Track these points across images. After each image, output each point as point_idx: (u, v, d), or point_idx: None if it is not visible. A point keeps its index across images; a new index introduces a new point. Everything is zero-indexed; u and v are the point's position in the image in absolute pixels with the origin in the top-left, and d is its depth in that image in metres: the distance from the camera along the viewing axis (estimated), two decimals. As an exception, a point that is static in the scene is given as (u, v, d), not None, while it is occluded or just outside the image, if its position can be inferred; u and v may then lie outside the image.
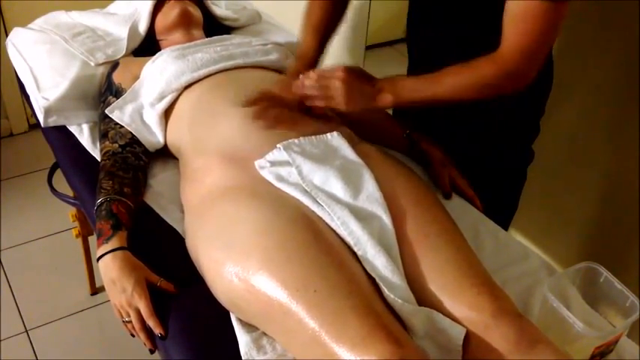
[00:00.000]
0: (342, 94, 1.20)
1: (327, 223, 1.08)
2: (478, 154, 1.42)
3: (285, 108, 1.27)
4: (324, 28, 1.40)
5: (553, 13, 1.07)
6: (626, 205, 1.59)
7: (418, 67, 1.48)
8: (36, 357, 1.94)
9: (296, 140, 1.19)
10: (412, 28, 1.45)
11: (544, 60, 1.16)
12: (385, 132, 1.45)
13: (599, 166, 1.64)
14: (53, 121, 1.52)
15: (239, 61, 1.42)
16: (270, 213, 1.06)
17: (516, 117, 1.40)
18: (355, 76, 1.23)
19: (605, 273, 1.09)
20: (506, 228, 1.55)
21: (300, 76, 1.26)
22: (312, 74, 1.24)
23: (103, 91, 1.50)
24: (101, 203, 1.21)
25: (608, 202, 1.65)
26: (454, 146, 1.40)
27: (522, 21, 1.09)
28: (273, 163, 1.16)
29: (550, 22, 1.08)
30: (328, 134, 1.23)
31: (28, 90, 1.61)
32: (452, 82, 1.18)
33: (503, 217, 1.41)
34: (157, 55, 1.47)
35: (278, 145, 1.18)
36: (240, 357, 1.01)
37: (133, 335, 1.13)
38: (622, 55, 1.50)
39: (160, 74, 1.39)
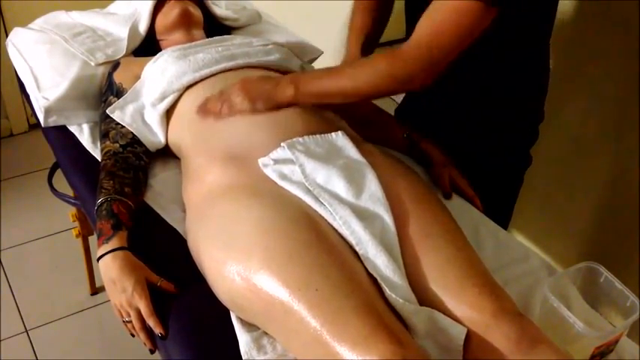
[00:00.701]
0: (243, 96, 1.25)
1: (329, 223, 1.08)
2: (476, 156, 1.42)
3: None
4: (367, 32, 1.41)
5: (475, 14, 1.05)
6: (626, 206, 1.59)
7: None
8: (36, 357, 1.94)
9: (300, 139, 1.19)
10: (410, 28, 1.45)
11: (446, 65, 1.14)
12: (386, 132, 1.45)
13: (600, 166, 1.64)
14: (53, 121, 1.52)
15: (240, 62, 1.42)
16: (272, 212, 1.06)
17: (515, 121, 1.40)
18: (253, 79, 1.30)
19: (605, 273, 1.09)
20: (507, 224, 1.55)
21: (207, 98, 1.31)
22: (213, 95, 1.30)
23: (103, 91, 1.50)
24: (102, 203, 1.21)
25: (608, 203, 1.65)
26: (453, 148, 1.40)
27: (441, 13, 1.08)
28: (276, 161, 1.16)
29: (468, 21, 1.06)
30: (333, 133, 1.23)
31: (28, 90, 1.61)
32: (353, 73, 1.19)
33: (500, 220, 1.41)
34: (158, 55, 1.47)
35: (282, 144, 1.18)
36: (241, 357, 1.01)
37: (133, 335, 1.13)
38: (622, 57, 1.50)
39: (161, 74, 1.39)
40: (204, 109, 1.29)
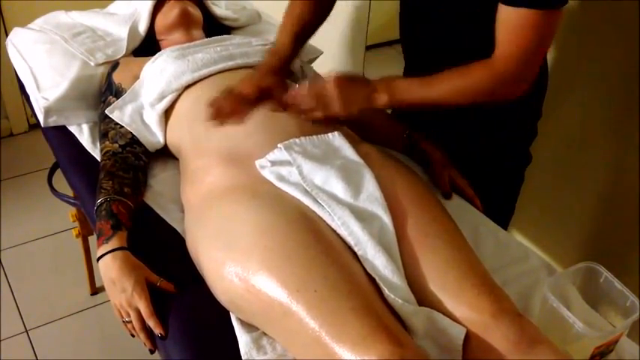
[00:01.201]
0: (338, 99, 1.19)
1: (327, 223, 1.08)
2: (476, 156, 1.42)
3: (243, 103, 1.26)
4: (303, 26, 1.37)
5: (547, 21, 1.07)
6: (626, 205, 1.59)
7: (413, 67, 1.48)
8: (36, 357, 1.94)
9: (297, 140, 1.19)
10: (404, 31, 1.45)
11: (539, 67, 1.16)
12: (385, 132, 1.45)
13: (600, 166, 1.64)
14: (53, 121, 1.52)
15: (239, 62, 1.42)
16: (271, 213, 1.06)
17: (514, 119, 1.40)
18: (347, 80, 1.23)
19: (605, 273, 1.09)
20: (505, 229, 1.55)
21: (292, 90, 1.25)
22: (303, 87, 1.24)
23: (103, 91, 1.50)
24: (101, 203, 1.21)
25: (608, 202, 1.65)
26: (453, 147, 1.40)
27: (517, 29, 1.08)
28: (274, 163, 1.16)
29: (544, 30, 1.08)
30: (329, 134, 1.23)
31: (28, 90, 1.61)
32: (446, 86, 1.18)
33: (500, 220, 1.41)
34: (157, 55, 1.47)
35: (279, 145, 1.18)
36: (240, 357, 1.01)
37: (133, 335, 1.13)
38: (621, 55, 1.50)
39: (160, 74, 1.39)
40: (292, 99, 1.23)
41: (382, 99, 1.20)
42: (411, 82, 1.22)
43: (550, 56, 1.38)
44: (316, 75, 1.60)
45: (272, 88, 1.30)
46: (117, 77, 1.48)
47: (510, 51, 1.11)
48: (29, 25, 1.76)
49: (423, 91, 1.19)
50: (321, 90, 1.21)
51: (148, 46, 1.61)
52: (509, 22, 1.09)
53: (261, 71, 1.34)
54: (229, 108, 1.25)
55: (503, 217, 1.53)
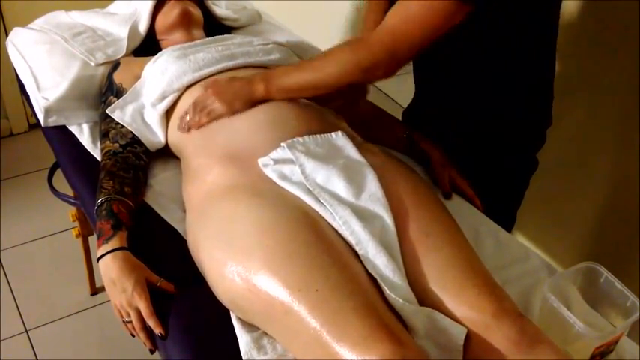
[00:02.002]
0: (218, 100, 1.27)
1: (329, 223, 1.08)
2: (485, 161, 1.42)
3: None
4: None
5: (445, 9, 1.06)
6: (626, 206, 1.59)
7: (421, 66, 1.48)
8: (36, 357, 1.94)
9: (300, 139, 1.19)
10: None
11: (411, 57, 1.15)
12: (386, 132, 1.45)
13: (600, 166, 1.64)
14: (53, 121, 1.52)
15: (240, 61, 1.42)
16: (272, 212, 1.06)
17: (521, 126, 1.40)
18: (223, 81, 1.31)
19: (605, 273, 1.09)
20: (509, 232, 1.55)
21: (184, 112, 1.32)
22: (189, 107, 1.31)
23: (103, 91, 1.50)
24: (101, 203, 1.21)
25: (609, 203, 1.65)
26: (462, 151, 1.40)
27: (402, 9, 1.09)
28: (276, 162, 1.16)
29: (437, 15, 1.07)
30: (332, 133, 1.23)
31: (28, 90, 1.61)
32: (318, 64, 1.21)
33: (503, 224, 1.42)
34: (158, 55, 1.46)
35: (282, 144, 1.18)
36: (241, 357, 1.01)
37: (133, 335, 1.13)
38: (623, 58, 1.50)
39: (161, 74, 1.39)
40: (183, 126, 1.31)
41: (259, 88, 1.26)
42: (288, 68, 1.28)
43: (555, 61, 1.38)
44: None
45: None
46: (118, 77, 1.48)
47: (387, 26, 1.11)
48: (29, 25, 1.76)
49: (297, 75, 1.24)
50: (201, 98, 1.29)
51: (148, 46, 1.61)
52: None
53: None
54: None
55: (506, 222, 1.53)
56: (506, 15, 1.10)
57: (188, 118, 1.30)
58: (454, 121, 1.42)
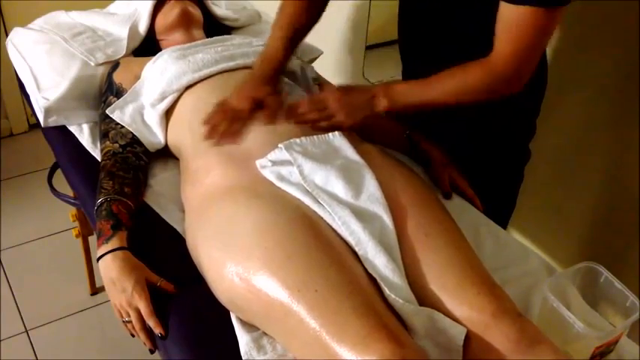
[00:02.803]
0: (341, 110, 1.24)
1: (328, 223, 1.08)
2: (475, 154, 1.42)
3: (237, 118, 1.27)
4: (294, 30, 1.37)
5: (546, 19, 1.08)
6: (626, 205, 1.59)
7: (411, 67, 1.49)
8: (36, 357, 1.94)
9: (297, 140, 1.19)
10: (403, 30, 1.45)
11: (536, 65, 1.17)
12: (385, 132, 1.45)
13: (599, 166, 1.64)
14: (53, 121, 1.52)
15: (240, 62, 1.42)
16: (271, 213, 1.06)
17: (512, 117, 1.40)
18: (347, 90, 1.28)
19: (605, 273, 1.09)
20: (504, 227, 1.55)
21: (294, 102, 1.28)
22: (305, 100, 1.27)
23: (103, 91, 1.50)
24: (101, 203, 1.21)
25: (608, 202, 1.65)
26: (451, 146, 1.40)
27: (515, 26, 1.09)
28: (274, 163, 1.16)
29: (543, 28, 1.09)
30: (330, 134, 1.23)
31: (28, 90, 1.61)
32: (444, 86, 1.20)
33: (501, 217, 1.41)
34: (158, 55, 1.47)
35: (280, 145, 1.18)
36: (240, 357, 1.01)
37: (133, 335, 1.13)
38: (622, 53, 1.50)
39: (160, 74, 1.39)
40: (294, 113, 1.26)
41: (382, 103, 1.23)
42: (410, 85, 1.25)
43: (550, 54, 1.38)
44: (321, 85, 1.61)
45: (265, 98, 1.30)
46: (117, 77, 1.48)
47: (508, 49, 1.12)
48: (29, 25, 1.76)
49: (421, 93, 1.22)
50: (323, 101, 1.26)
51: (148, 46, 1.61)
52: (509, 20, 1.09)
53: (254, 81, 1.34)
54: (224, 126, 1.25)
55: (503, 216, 1.53)
56: (497, 7, 1.11)
57: (303, 108, 1.25)
58: (441, 114, 1.42)
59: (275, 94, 1.32)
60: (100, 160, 1.35)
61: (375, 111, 1.25)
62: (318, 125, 1.24)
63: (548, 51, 1.37)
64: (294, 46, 1.40)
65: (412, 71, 1.49)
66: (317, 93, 1.28)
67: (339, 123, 1.25)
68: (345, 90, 1.29)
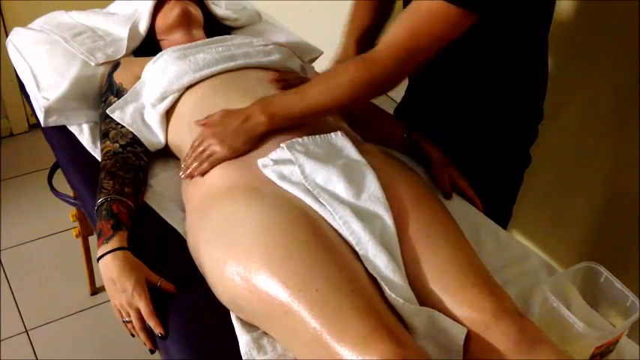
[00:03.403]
0: (218, 144, 1.18)
1: (328, 223, 1.08)
2: (475, 156, 1.42)
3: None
4: (365, 27, 1.40)
5: (449, 18, 1.06)
6: (626, 205, 1.59)
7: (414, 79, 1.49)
8: (36, 357, 1.94)
9: (299, 139, 1.19)
10: None
11: (417, 64, 1.14)
12: (386, 132, 1.45)
13: (600, 166, 1.64)
14: (53, 121, 1.52)
15: (240, 62, 1.42)
16: (272, 212, 1.06)
17: (513, 121, 1.40)
18: (223, 117, 1.22)
19: (605, 273, 1.09)
20: (504, 228, 1.55)
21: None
22: (186, 156, 1.23)
23: (103, 91, 1.50)
24: (102, 203, 1.21)
25: (608, 202, 1.65)
26: (452, 147, 1.40)
27: (416, 15, 1.09)
28: (276, 162, 1.16)
29: (443, 24, 1.07)
30: (332, 134, 1.23)
31: (28, 90, 1.61)
32: (323, 87, 1.17)
33: (500, 218, 1.41)
34: (158, 55, 1.46)
35: (281, 144, 1.18)
36: (241, 357, 1.01)
37: (133, 335, 1.13)
38: (622, 55, 1.50)
39: (161, 74, 1.39)
40: (186, 173, 1.22)
41: (260, 121, 1.18)
42: (286, 95, 1.21)
43: (551, 58, 1.38)
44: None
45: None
46: (118, 77, 1.48)
47: (400, 37, 1.10)
48: (29, 25, 1.76)
49: (299, 101, 1.18)
50: (200, 145, 1.20)
51: (148, 46, 1.61)
52: (416, 8, 1.08)
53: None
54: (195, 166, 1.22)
55: (501, 218, 1.53)
56: (498, 13, 1.11)
57: (188, 162, 1.22)
58: (444, 115, 1.43)
59: None
60: (100, 160, 1.35)
61: (255, 131, 1.18)
62: (203, 170, 1.19)
63: (549, 53, 1.37)
64: (366, 48, 1.35)
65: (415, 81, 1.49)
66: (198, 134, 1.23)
67: (220, 157, 1.18)
68: (215, 119, 1.23)
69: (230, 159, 1.19)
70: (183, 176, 1.24)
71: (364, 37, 1.42)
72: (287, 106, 1.20)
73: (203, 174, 1.20)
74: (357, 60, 1.15)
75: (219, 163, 1.19)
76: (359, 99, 1.17)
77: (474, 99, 1.38)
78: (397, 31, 1.12)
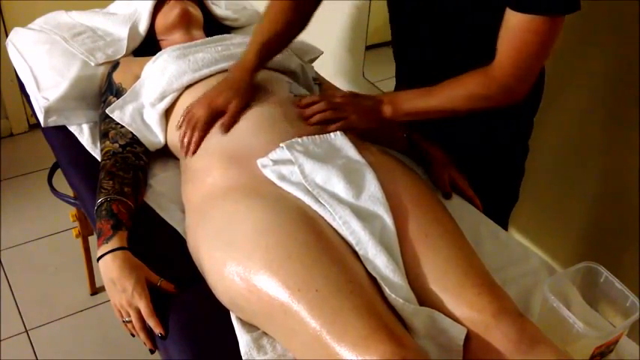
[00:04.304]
0: (354, 112, 1.27)
1: (328, 223, 1.08)
2: (473, 153, 1.42)
3: (194, 128, 1.27)
4: (270, 36, 1.36)
5: (549, 27, 1.08)
6: (625, 205, 1.59)
7: (405, 72, 1.49)
8: (36, 357, 1.94)
9: (299, 139, 1.19)
10: (395, 36, 1.46)
11: (537, 74, 1.17)
12: (385, 132, 1.45)
13: (599, 166, 1.64)
14: (53, 121, 1.52)
15: (240, 62, 1.42)
16: (272, 212, 1.06)
17: (512, 118, 1.40)
18: (355, 95, 1.33)
19: (605, 273, 1.09)
20: (507, 219, 1.56)
21: (309, 100, 1.31)
22: (319, 100, 1.29)
23: (103, 91, 1.50)
24: (101, 203, 1.21)
25: (608, 202, 1.65)
26: (451, 145, 1.40)
27: (518, 34, 1.10)
28: (275, 162, 1.16)
29: (545, 36, 1.09)
30: (332, 134, 1.23)
31: (28, 90, 1.61)
32: (446, 94, 1.22)
33: (504, 211, 1.41)
34: (158, 54, 1.47)
35: (281, 144, 1.18)
36: (240, 357, 1.01)
37: (133, 335, 1.13)
38: (622, 52, 1.50)
39: (161, 74, 1.39)
40: (319, 117, 1.26)
41: (387, 110, 1.27)
42: (413, 93, 1.28)
43: (551, 57, 1.38)
44: (321, 85, 1.63)
45: (225, 105, 1.27)
46: (117, 77, 1.48)
47: (509, 57, 1.13)
48: (29, 25, 1.76)
49: (424, 101, 1.25)
50: (337, 104, 1.29)
51: (148, 46, 1.61)
52: (512, 28, 1.10)
53: (219, 87, 1.32)
54: (187, 139, 1.27)
55: (506, 209, 1.54)
56: (493, 8, 1.11)
57: (314, 106, 1.28)
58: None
59: (237, 99, 1.28)
60: (100, 160, 1.35)
61: (380, 116, 1.28)
62: (329, 126, 1.26)
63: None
64: (271, 56, 1.39)
65: (405, 72, 1.49)
66: (324, 93, 1.29)
67: (352, 124, 1.27)
68: (353, 95, 1.33)
69: (357, 130, 1.28)
70: (300, 105, 1.29)
71: (271, 45, 1.37)
72: (411, 101, 1.27)
73: (329, 129, 1.25)
74: (477, 74, 1.18)
75: (348, 128, 1.26)
76: (475, 110, 1.22)
77: None
78: (502, 52, 1.13)
